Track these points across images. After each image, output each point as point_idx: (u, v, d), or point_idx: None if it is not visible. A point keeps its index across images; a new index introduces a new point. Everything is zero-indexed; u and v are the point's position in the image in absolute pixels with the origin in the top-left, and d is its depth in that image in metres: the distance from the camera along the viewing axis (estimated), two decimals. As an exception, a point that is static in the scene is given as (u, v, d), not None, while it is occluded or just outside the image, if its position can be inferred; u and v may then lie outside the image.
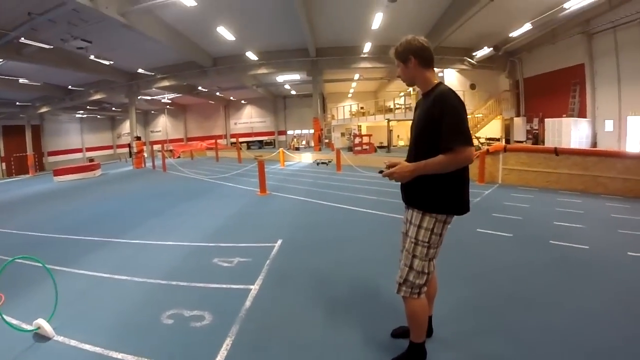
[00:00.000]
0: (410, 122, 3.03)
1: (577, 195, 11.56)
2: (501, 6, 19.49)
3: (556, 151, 12.80)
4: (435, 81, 2.89)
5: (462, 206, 2.82)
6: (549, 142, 22.81)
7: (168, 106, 50.11)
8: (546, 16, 20.65)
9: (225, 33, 22.76)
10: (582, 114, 22.93)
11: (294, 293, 4.87)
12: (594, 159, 12.28)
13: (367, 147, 25.87)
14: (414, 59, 2.87)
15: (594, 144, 21.88)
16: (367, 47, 27.19)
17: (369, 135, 27.76)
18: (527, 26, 21.87)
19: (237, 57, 28.77)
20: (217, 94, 45.43)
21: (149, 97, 41.70)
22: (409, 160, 2.84)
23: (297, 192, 12.51)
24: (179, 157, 41.68)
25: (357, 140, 26.67)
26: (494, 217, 8.63)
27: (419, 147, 2.78)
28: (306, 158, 26.75)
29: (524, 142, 27.18)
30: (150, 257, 6.69)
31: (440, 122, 2.61)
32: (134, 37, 20.77)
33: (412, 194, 2.87)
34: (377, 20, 21.72)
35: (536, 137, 26.17)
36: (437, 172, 2.65)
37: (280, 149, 24.06)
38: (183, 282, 5.29)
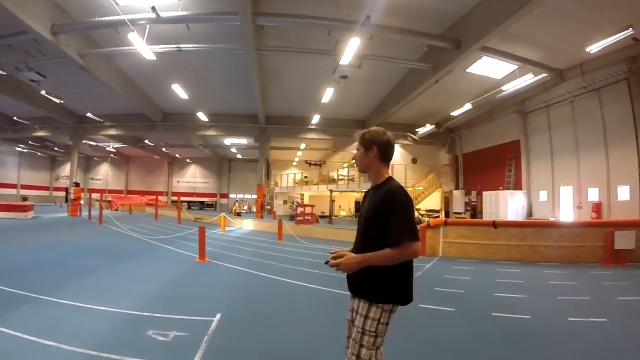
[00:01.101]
0: (358, 207, 3.13)
1: (516, 264, 11.95)
2: (444, 87, 20.97)
3: (494, 224, 13.45)
4: (387, 176, 2.97)
5: (407, 297, 2.83)
6: (487, 214, 24.04)
7: (112, 155, 48.58)
8: (485, 97, 22.44)
9: (179, 91, 22.80)
10: (517, 186, 24.47)
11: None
12: (530, 229, 13.09)
13: (309, 217, 25.75)
14: (376, 150, 2.94)
15: (530, 214, 23.23)
16: (316, 119, 28.05)
17: (312, 206, 27.64)
18: (467, 106, 23.67)
19: (188, 115, 28.77)
20: (163, 149, 44.97)
21: (93, 143, 40.40)
22: (355, 250, 2.86)
23: (237, 262, 12.06)
24: (116, 209, 40.00)
25: (299, 210, 26.58)
26: (437, 291, 8.62)
27: (366, 238, 2.82)
28: (247, 225, 26.31)
29: (463, 214, 28.32)
30: (81, 321, 6.01)
31: (389, 217, 2.68)
32: (89, 80, 20.47)
33: (358, 285, 2.85)
34: (328, 94, 22.46)
35: (474, 209, 27.27)
36: (382, 264, 2.68)
37: (222, 214, 23.45)
38: (115, 356, 4.77)
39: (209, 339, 5.35)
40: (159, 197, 42.41)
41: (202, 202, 51.55)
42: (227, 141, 38.35)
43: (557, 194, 21.94)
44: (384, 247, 2.65)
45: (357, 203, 38.85)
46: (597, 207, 19.05)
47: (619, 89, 18.10)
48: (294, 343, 5.45)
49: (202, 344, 5.17)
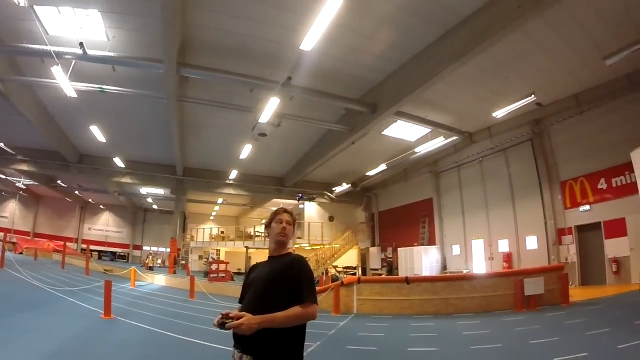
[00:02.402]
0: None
1: (430, 318, 11.84)
2: (360, 148, 21.48)
3: (407, 280, 13.63)
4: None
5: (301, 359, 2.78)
6: (402, 269, 24.22)
7: (21, 192, 43.13)
8: (399, 158, 23.16)
9: (97, 133, 21.45)
10: (431, 241, 25.06)
11: None
12: (442, 283, 13.30)
13: (224, 274, 24.75)
14: (294, 226, 3.18)
15: (444, 267, 23.69)
16: (234, 174, 27.44)
17: (226, 262, 26.69)
18: (382, 166, 24.38)
19: (105, 160, 26.88)
20: (76, 192, 41.33)
21: (2, 176, 36.10)
22: (250, 312, 2.69)
23: (145, 320, 11.08)
24: (21, 252, 36.07)
25: (213, 266, 25.55)
26: (348, 349, 8.26)
27: (268, 300, 2.75)
28: (159, 280, 24.76)
29: (379, 270, 28.44)
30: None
31: (298, 280, 2.76)
32: (5, 107, 18.27)
33: (254, 345, 2.67)
34: (246, 150, 22.21)
35: (390, 265, 27.53)
36: (283, 325, 2.64)
37: (133, 267, 21.97)
38: None
39: None
40: (68, 244, 39.25)
41: (113, 253, 47.69)
42: (144, 190, 36.50)
43: (469, 247, 22.57)
44: (285, 309, 2.65)
45: None
46: (508, 257, 19.70)
47: (524, 149, 19.50)
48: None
49: None
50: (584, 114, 16.51)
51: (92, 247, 43.54)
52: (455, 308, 12.50)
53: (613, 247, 15.36)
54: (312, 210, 31.43)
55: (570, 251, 17.12)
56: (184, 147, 23.63)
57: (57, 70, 13.82)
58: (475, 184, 22.48)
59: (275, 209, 3.32)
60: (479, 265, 21.53)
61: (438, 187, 25.28)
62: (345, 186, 28.18)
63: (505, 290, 12.48)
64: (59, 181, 36.84)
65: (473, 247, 22.38)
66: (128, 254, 49.22)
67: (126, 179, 29.10)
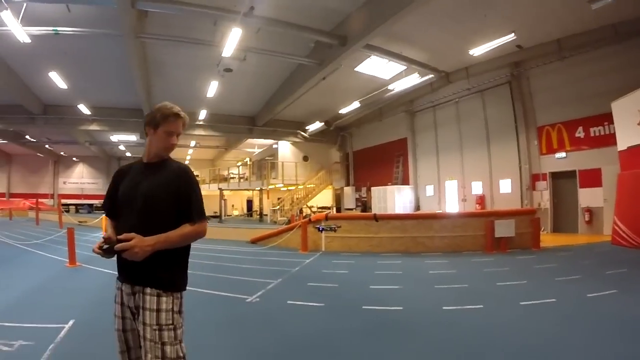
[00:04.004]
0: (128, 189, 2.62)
1: (398, 256, 11.66)
2: (333, 85, 20.55)
3: (375, 217, 13.25)
4: None
5: (186, 281, 2.64)
6: (376, 208, 24.06)
7: None
8: (373, 96, 22.40)
9: (57, 79, 20.21)
10: (405, 181, 24.96)
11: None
12: (412, 222, 13.01)
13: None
14: None
15: (417, 208, 23.73)
16: (203, 114, 26.30)
17: None
18: (356, 104, 23.56)
19: (69, 108, 25.51)
20: (47, 146, 39.97)
21: None
22: (132, 231, 2.37)
23: (110, 265, 10.51)
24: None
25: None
26: (309, 286, 8.04)
27: (151, 220, 2.46)
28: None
29: (354, 209, 28.54)
30: None
31: (185, 198, 2.53)
32: None
33: (147, 273, 2.44)
34: (212, 88, 21.27)
35: (365, 205, 27.53)
36: (178, 245, 2.47)
37: (104, 215, 21.47)
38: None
39: (54, 347, 4.63)
40: (44, 200, 38.86)
41: (90, 205, 46.69)
42: (114, 137, 35.24)
43: (443, 188, 22.55)
44: (174, 228, 2.45)
45: (249, 202, 38.25)
46: (481, 200, 19.71)
47: (502, 91, 19.08)
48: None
49: (46, 353, 4.47)
50: (565, 61, 16.03)
51: (69, 200, 43.21)
52: (425, 247, 12.34)
53: (587, 197, 15.37)
54: (286, 151, 30.93)
55: (543, 197, 17.12)
56: (149, 88, 22.36)
57: (7, 16, 12.68)
58: (450, 125, 22.12)
59: (166, 108, 2.72)
60: (452, 207, 21.53)
61: (413, 127, 24.91)
62: (318, 125, 27.41)
63: (476, 231, 12.24)
64: (27, 136, 35.25)
65: (447, 188, 22.35)
66: None
67: (94, 127, 27.83)
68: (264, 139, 29.94)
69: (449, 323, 5.41)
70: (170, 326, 2.41)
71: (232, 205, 37.61)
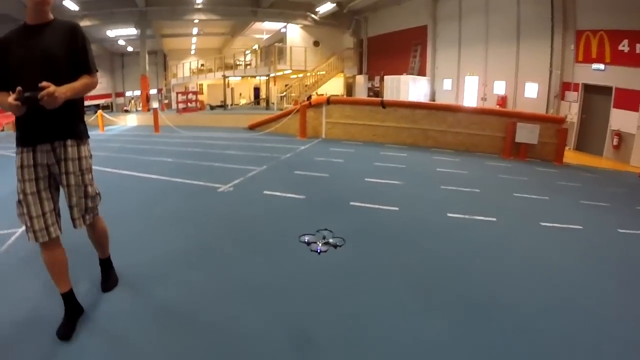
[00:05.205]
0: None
1: (404, 149, 10.78)
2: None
3: (382, 103, 12.02)
4: None
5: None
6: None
7: None
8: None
9: None
10: (422, 72, 23.07)
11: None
12: (422, 112, 11.64)
13: (194, 104, 23.25)
14: None
15: (433, 101, 21.71)
16: (200, -4, 24.25)
17: (196, 92, 25.34)
18: None
19: (56, 7, 24.02)
20: None
21: None
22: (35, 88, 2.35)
23: (95, 160, 9.70)
24: (2, 130, 34.84)
25: (180, 97, 23.94)
26: (295, 175, 7.34)
27: (53, 75, 2.45)
28: (131, 121, 23.47)
29: (366, 99, 27.04)
30: None
31: (82, 52, 2.70)
32: None
33: (66, 127, 2.73)
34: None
35: (377, 95, 25.58)
36: (80, 94, 2.71)
37: (99, 111, 20.69)
38: None
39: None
40: None
41: (97, 105, 46.13)
42: (111, 33, 33.26)
43: (462, 84, 20.78)
44: (72, 81, 2.58)
45: (256, 90, 36.93)
46: (502, 101, 17.93)
47: None
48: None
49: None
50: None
51: None
52: (435, 142, 11.23)
53: (619, 119, 13.36)
54: (295, 35, 28.71)
55: (571, 110, 15.16)
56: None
57: None
58: (477, 16, 19.52)
59: None
60: (470, 104, 19.76)
61: (435, 14, 22.42)
62: (329, 6, 24.98)
63: (494, 131, 10.84)
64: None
65: (466, 84, 20.49)
66: (111, 103, 47.29)
67: (85, 22, 25.64)
68: (271, 21, 27.85)
69: (452, 233, 4.44)
70: (89, 169, 2.82)
71: (240, 94, 36.31)
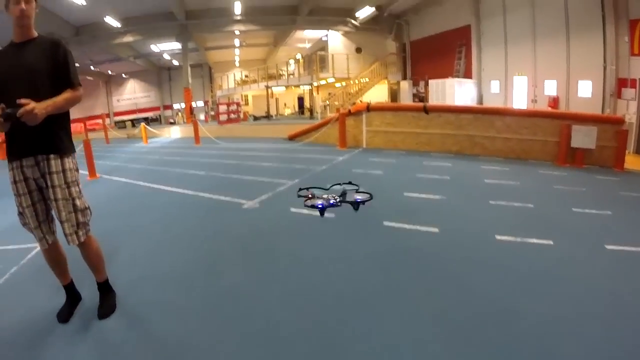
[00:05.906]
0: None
1: (449, 158, 10.24)
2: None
3: (425, 109, 11.46)
4: None
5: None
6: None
7: None
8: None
9: None
10: (467, 75, 22.31)
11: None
12: (468, 116, 10.96)
13: (235, 115, 23.27)
14: (36, 1, 2.83)
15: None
16: (238, 7, 24.52)
17: (237, 103, 25.44)
18: None
19: (98, 24, 25.04)
20: (92, 67, 40.19)
21: None
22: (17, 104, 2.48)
23: (131, 173, 10.52)
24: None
25: (221, 108, 24.01)
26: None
27: (36, 91, 2.62)
28: (175, 133, 23.95)
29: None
30: None
31: (64, 67, 2.77)
32: None
33: (48, 141, 2.78)
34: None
35: (422, 100, 24.84)
36: (62, 109, 2.74)
37: (142, 124, 21.42)
38: None
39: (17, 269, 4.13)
40: (99, 121, 39.52)
41: (145, 118, 47.47)
42: (155, 48, 34.88)
43: (511, 85, 19.81)
44: (55, 95, 2.67)
45: (300, 99, 37.22)
46: (554, 102, 16.91)
47: None
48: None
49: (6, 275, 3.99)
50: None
51: (125, 117, 45.23)
52: (483, 149, 10.58)
53: None
54: (336, 42, 28.67)
55: (630, 109, 13.98)
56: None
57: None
58: (523, 10, 18.51)
59: None
60: (521, 107, 18.69)
61: (478, 12, 21.58)
62: (369, 10, 24.62)
63: (547, 136, 9.96)
64: (71, 63, 35.57)
65: (515, 85, 19.49)
66: (160, 115, 48.94)
67: (127, 38, 27.36)
68: (311, 29, 27.95)
69: (501, 263, 3.79)
70: (75, 182, 2.88)
71: (285, 104, 36.87)
